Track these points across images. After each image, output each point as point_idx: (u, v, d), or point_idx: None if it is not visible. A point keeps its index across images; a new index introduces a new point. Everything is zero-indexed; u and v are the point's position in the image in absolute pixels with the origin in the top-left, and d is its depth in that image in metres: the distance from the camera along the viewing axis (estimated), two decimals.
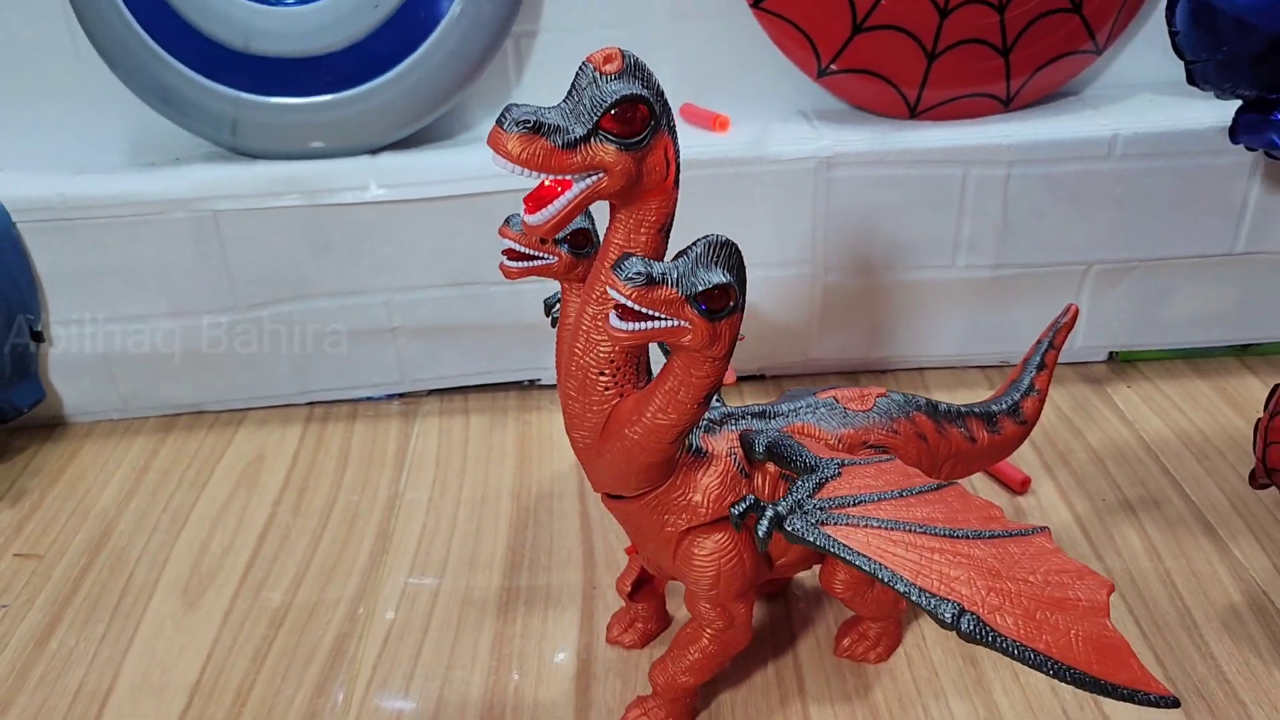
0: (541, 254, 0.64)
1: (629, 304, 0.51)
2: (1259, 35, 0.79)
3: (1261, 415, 0.75)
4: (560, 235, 0.63)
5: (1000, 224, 1.01)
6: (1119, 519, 0.88)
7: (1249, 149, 0.89)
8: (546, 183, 0.53)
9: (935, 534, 0.55)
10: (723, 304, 0.51)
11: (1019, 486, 0.92)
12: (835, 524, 0.55)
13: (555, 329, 0.70)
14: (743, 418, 0.66)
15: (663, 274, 0.51)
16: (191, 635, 0.80)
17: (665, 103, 0.53)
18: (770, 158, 0.98)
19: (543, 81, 1.08)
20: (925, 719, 0.70)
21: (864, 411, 0.69)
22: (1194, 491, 0.91)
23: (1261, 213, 1.02)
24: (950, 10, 0.96)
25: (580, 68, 0.51)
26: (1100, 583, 0.54)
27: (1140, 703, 0.48)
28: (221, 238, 0.98)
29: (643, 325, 0.51)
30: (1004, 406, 0.77)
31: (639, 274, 0.50)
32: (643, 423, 0.56)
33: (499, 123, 0.50)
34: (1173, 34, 0.82)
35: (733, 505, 0.59)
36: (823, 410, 0.68)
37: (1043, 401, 0.78)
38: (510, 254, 0.65)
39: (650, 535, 0.64)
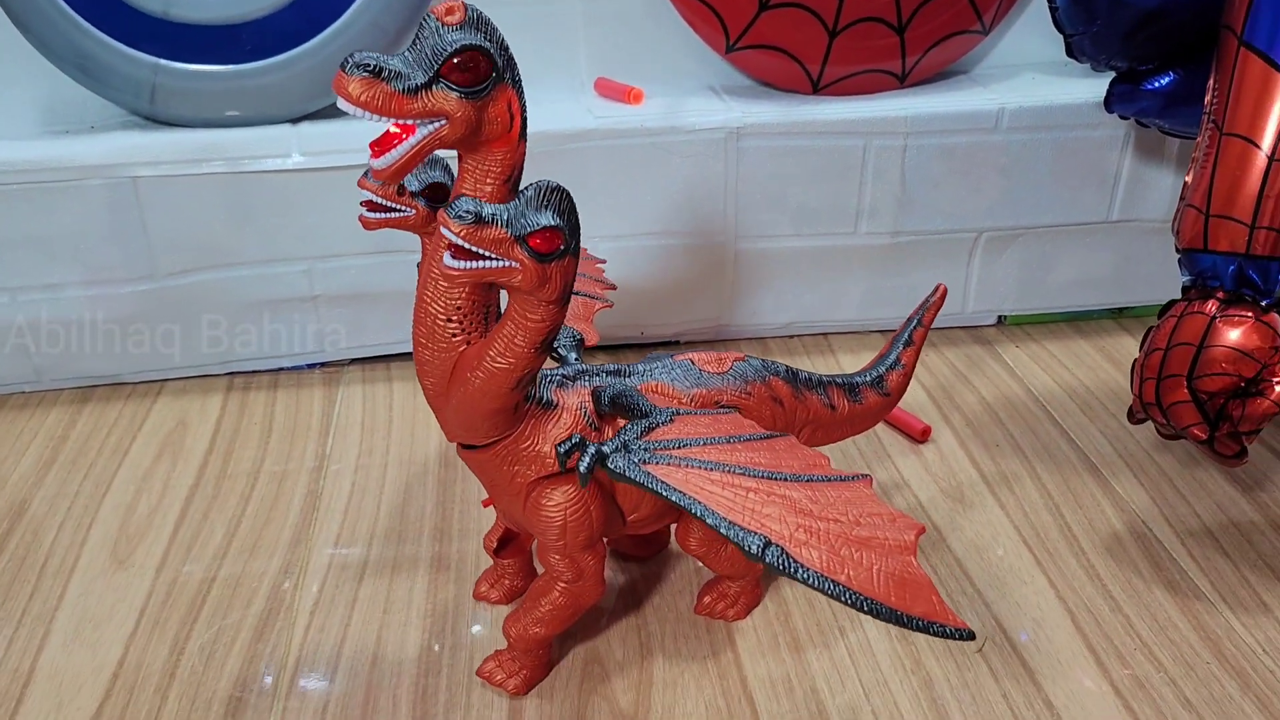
0: (399, 206, 0.64)
1: (460, 242, 0.53)
2: (1130, 11, 0.86)
3: (1138, 355, 0.82)
4: (418, 188, 0.64)
5: (899, 193, 1.08)
6: (1012, 462, 0.95)
7: (1122, 117, 0.97)
8: (391, 129, 0.54)
9: (753, 475, 0.59)
10: (553, 246, 0.54)
11: (919, 435, 0.98)
12: (657, 463, 0.59)
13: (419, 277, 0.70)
14: (597, 375, 0.68)
15: (493, 214, 0.53)
16: (124, 591, 0.80)
17: (510, 57, 0.55)
18: (683, 128, 1.02)
19: None
20: (843, 640, 0.75)
21: (719, 374, 0.71)
22: (1079, 438, 0.98)
23: (1133, 183, 1.10)
24: None
25: (423, 19, 0.54)
26: (910, 525, 0.59)
27: (936, 634, 0.54)
28: (140, 205, 0.98)
29: (474, 265, 0.54)
30: (868, 378, 0.79)
31: (468, 213, 0.53)
32: (484, 367, 0.58)
33: (341, 66, 0.52)
34: (1053, 9, 0.88)
35: (559, 445, 0.62)
36: (678, 371, 0.70)
37: (908, 376, 0.80)
38: (369, 205, 0.65)
39: (502, 487, 0.65)
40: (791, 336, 1.16)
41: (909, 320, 0.81)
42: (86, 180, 0.97)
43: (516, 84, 0.56)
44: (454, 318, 0.59)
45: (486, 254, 0.54)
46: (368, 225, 0.66)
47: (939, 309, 0.81)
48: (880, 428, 0.99)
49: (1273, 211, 0.75)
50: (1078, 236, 1.13)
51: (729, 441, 0.62)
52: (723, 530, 0.55)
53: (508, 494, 0.66)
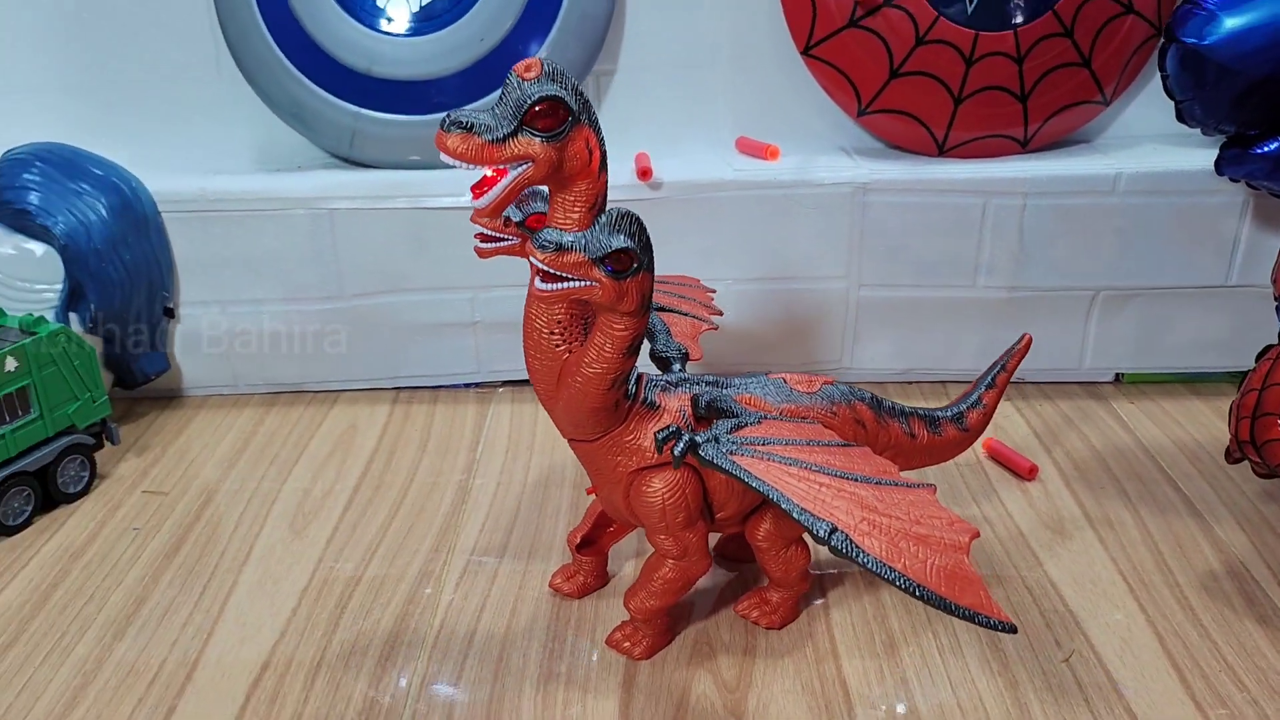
0: (506, 236, 0.75)
1: (545, 268, 0.61)
2: (1238, 79, 0.92)
3: (1235, 398, 0.87)
4: (521, 219, 0.74)
5: (1016, 250, 1.14)
6: (1115, 503, 0.99)
7: (1232, 180, 1.02)
8: (489, 174, 0.64)
9: (827, 473, 0.67)
10: (626, 265, 0.62)
11: (1027, 474, 1.03)
12: (742, 455, 0.68)
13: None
14: (697, 383, 0.76)
15: (571, 242, 0.61)
16: (298, 555, 0.93)
17: (585, 101, 0.64)
18: (813, 181, 1.12)
19: (617, 113, 1.23)
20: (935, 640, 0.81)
21: (808, 393, 0.78)
22: (1185, 485, 1.02)
23: (1252, 248, 1.14)
24: (976, 60, 1.11)
25: (508, 76, 0.63)
26: (965, 528, 0.66)
27: (980, 624, 0.61)
28: (334, 234, 1.13)
29: (560, 286, 0.62)
30: (949, 413, 0.85)
31: (550, 242, 0.61)
32: (580, 373, 0.67)
33: (440, 125, 0.61)
34: (1164, 76, 0.95)
35: (658, 432, 0.71)
36: (770, 387, 0.77)
37: (988, 416, 0.87)
38: (482, 238, 0.76)
39: (607, 475, 0.74)
40: (909, 383, 1.23)
41: (994, 364, 0.88)
42: (292, 211, 1.12)
43: (593, 124, 0.65)
44: (555, 330, 0.68)
45: (569, 276, 0.62)
46: (481, 254, 0.77)
47: (1023, 356, 0.87)
48: (989, 465, 1.05)
49: None
50: (1197, 298, 1.17)
51: (809, 444, 0.70)
52: (795, 515, 0.64)
53: (611, 481, 0.74)
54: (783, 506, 0.64)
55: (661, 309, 0.89)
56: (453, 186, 1.13)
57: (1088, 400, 1.19)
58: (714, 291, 0.99)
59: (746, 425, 0.71)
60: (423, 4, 1.10)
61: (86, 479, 1.02)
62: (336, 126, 1.13)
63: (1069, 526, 0.95)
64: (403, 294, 1.17)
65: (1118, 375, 1.23)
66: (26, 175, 1.07)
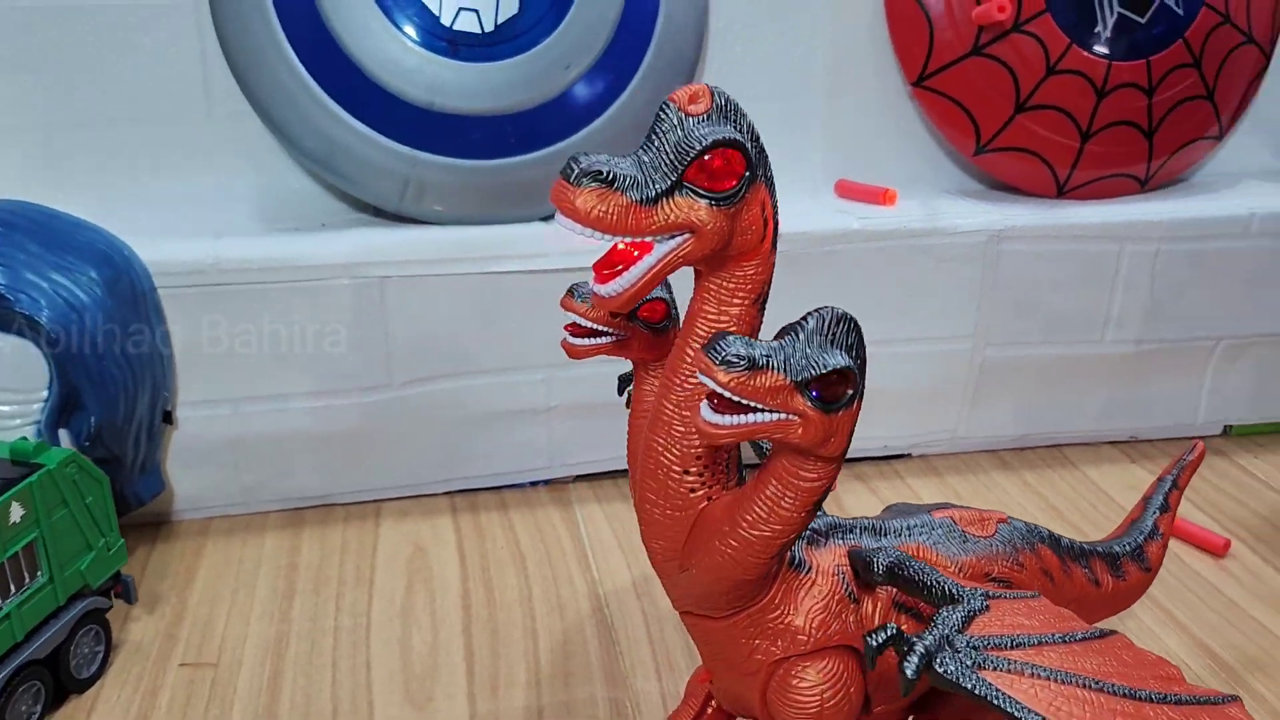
0: (611, 330, 0.55)
1: (726, 393, 0.42)
2: None
3: None
4: (633, 307, 0.53)
5: (1147, 300, 1.04)
6: None
7: None
8: (621, 246, 0.46)
9: (1114, 693, 0.47)
10: (840, 393, 0.43)
11: (1220, 550, 0.92)
12: (994, 669, 0.47)
13: (630, 411, 0.61)
14: (851, 530, 0.57)
15: (767, 356, 0.43)
16: None
17: (761, 148, 0.46)
18: (945, 230, 0.98)
19: None
20: None
21: (985, 538, 0.60)
22: None
23: None
24: (1107, 92, 1.01)
25: (661, 108, 0.44)
26: None
27: None
28: (385, 307, 0.90)
29: (742, 419, 0.43)
30: (1128, 549, 0.67)
31: (740, 357, 0.42)
32: (738, 535, 0.48)
33: (564, 175, 0.43)
34: None
35: (868, 635, 0.49)
36: (939, 532, 0.59)
37: (1165, 547, 0.69)
38: (574, 329, 0.56)
39: (734, 661, 0.54)
40: (1025, 449, 1.10)
41: (1159, 480, 0.71)
42: (334, 281, 0.88)
43: (770, 182, 0.47)
44: (693, 469, 0.49)
45: (760, 406, 0.43)
46: (574, 354, 0.56)
47: (1196, 468, 0.71)
48: (1172, 544, 0.94)
49: None
50: None
51: (1064, 641, 0.50)
52: None
53: (740, 670, 0.54)
54: None
55: None
56: (529, 245, 0.92)
57: (1210, 457, 1.11)
58: None
59: (976, 615, 0.50)
60: (499, 21, 0.89)
61: (102, 655, 0.75)
62: (387, 175, 0.90)
63: None
64: (465, 378, 0.95)
65: (1226, 428, 1.15)
66: None
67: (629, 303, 0.46)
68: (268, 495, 0.95)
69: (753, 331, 0.50)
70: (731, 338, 0.43)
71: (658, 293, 0.57)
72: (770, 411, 0.43)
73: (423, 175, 0.90)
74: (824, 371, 0.43)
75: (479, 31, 0.89)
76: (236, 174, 0.98)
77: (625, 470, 1.02)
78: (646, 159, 0.44)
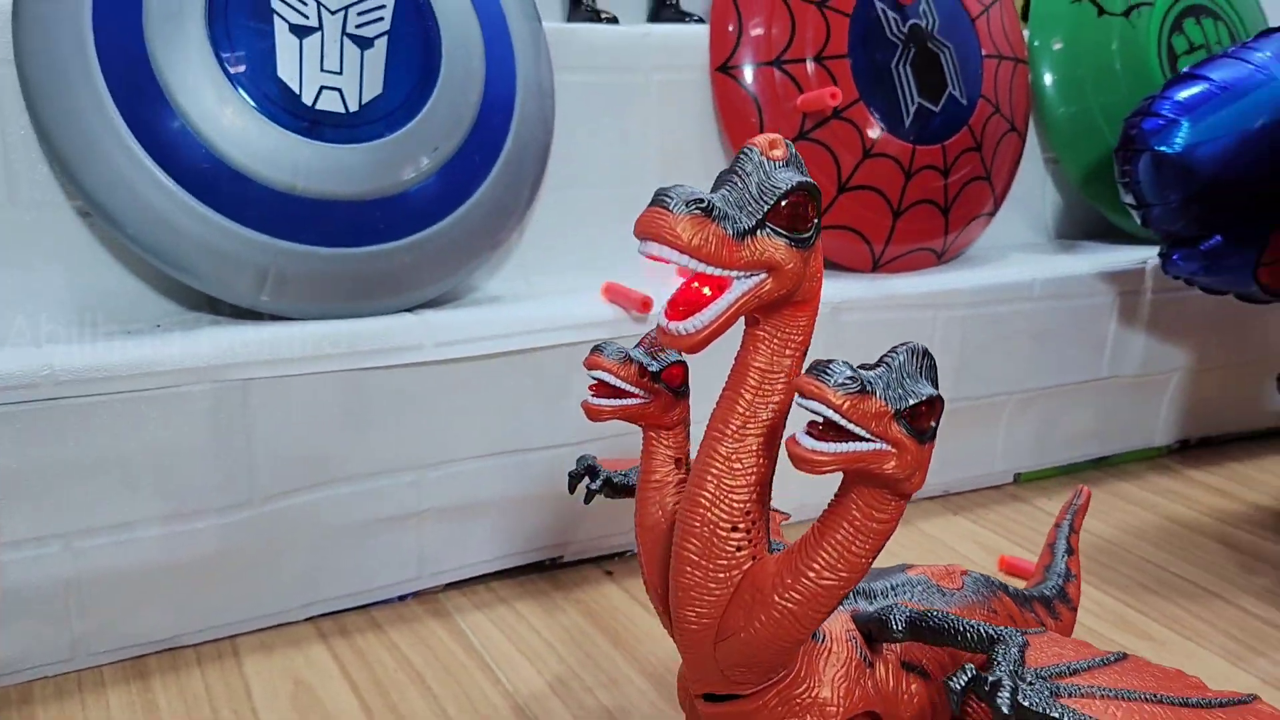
0: (638, 390, 0.54)
1: (838, 418, 0.42)
2: (1198, 182, 1.00)
3: None
4: (658, 369, 0.55)
5: (957, 361, 1.13)
6: (1138, 589, 1.00)
7: (1175, 277, 1.10)
8: (695, 285, 0.45)
9: (1171, 703, 0.51)
10: (927, 424, 0.44)
11: None
12: (1069, 695, 0.49)
13: (588, 504, 0.63)
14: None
15: (873, 382, 0.42)
16: None
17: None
18: None
19: (540, 240, 1.03)
20: None
21: (957, 590, 0.62)
22: (1173, 565, 1.06)
23: (1118, 343, 1.24)
24: (913, 173, 1.10)
25: (743, 153, 0.46)
26: None
27: None
28: (248, 412, 0.80)
29: (846, 447, 0.42)
30: (1055, 592, 0.71)
31: (852, 379, 0.42)
32: (801, 587, 0.46)
33: (661, 204, 0.43)
34: (1127, 184, 1.01)
35: (948, 680, 0.49)
36: (920, 589, 0.61)
37: (1080, 585, 0.74)
38: (599, 389, 0.55)
39: None
40: None
41: (1058, 527, 0.76)
42: (189, 387, 0.78)
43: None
44: (741, 525, 0.48)
45: (865, 434, 0.42)
46: (597, 416, 0.55)
47: (1085, 511, 0.78)
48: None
49: None
50: (1076, 394, 1.24)
51: (1105, 664, 0.53)
52: None
53: None
54: None
55: None
56: (404, 337, 0.86)
57: (1009, 502, 1.21)
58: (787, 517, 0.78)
59: (1025, 648, 0.51)
60: (363, 101, 0.84)
61: None
62: (244, 267, 0.81)
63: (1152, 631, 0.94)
64: (329, 487, 0.86)
65: (1016, 475, 1.26)
66: None
67: (706, 341, 0.45)
68: (103, 645, 0.81)
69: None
70: (839, 362, 0.43)
71: (675, 357, 0.56)
72: (871, 440, 0.42)
73: (284, 266, 0.82)
74: (922, 399, 0.43)
75: (343, 111, 0.83)
76: (38, 271, 0.84)
77: (500, 573, 0.97)
78: (730, 198, 0.44)
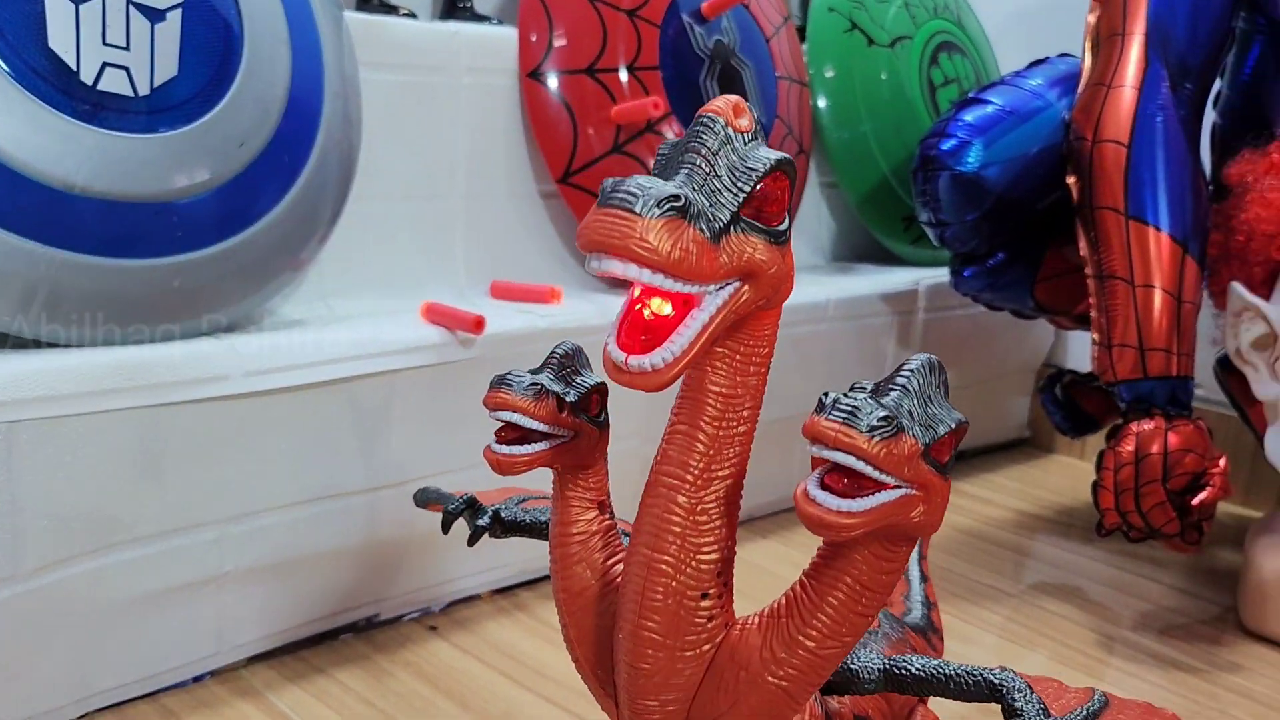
0: (555, 430, 0.45)
1: (873, 471, 0.35)
2: (992, 199, 1.04)
3: (1097, 477, 0.96)
4: (574, 398, 0.45)
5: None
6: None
7: (964, 293, 1.14)
8: (655, 304, 0.38)
9: None
10: (950, 454, 0.38)
11: None
12: None
13: (471, 546, 0.57)
14: None
15: (902, 419, 0.36)
16: None
17: None
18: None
19: (336, 258, 0.91)
20: None
21: (878, 629, 0.57)
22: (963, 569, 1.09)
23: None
24: None
25: (705, 123, 0.37)
26: None
27: None
28: (13, 464, 0.64)
29: (873, 502, 0.36)
30: (927, 620, 0.68)
31: (886, 420, 0.35)
32: (798, 660, 0.40)
33: (620, 204, 0.34)
34: (924, 202, 1.03)
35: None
36: (882, 616, 0.58)
37: (938, 609, 0.72)
38: (508, 435, 0.45)
39: None
40: None
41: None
42: None
43: None
44: (711, 590, 0.41)
45: (898, 481, 0.36)
46: (509, 468, 0.45)
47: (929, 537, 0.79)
48: None
49: (1189, 341, 0.95)
50: None
51: (1107, 706, 0.51)
52: None
53: None
54: None
55: None
56: (211, 366, 0.71)
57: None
58: None
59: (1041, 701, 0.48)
60: (154, 84, 0.69)
61: None
62: (8, 281, 0.64)
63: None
64: (115, 551, 0.70)
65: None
66: None
67: (677, 378, 0.37)
68: None
69: (759, 404, 0.44)
70: (858, 396, 0.37)
71: (593, 380, 0.48)
72: (902, 486, 0.36)
73: (58, 280, 0.66)
74: (950, 430, 0.37)
75: (131, 94, 0.68)
76: None
77: (306, 640, 0.84)
78: (698, 184, 0.35)
